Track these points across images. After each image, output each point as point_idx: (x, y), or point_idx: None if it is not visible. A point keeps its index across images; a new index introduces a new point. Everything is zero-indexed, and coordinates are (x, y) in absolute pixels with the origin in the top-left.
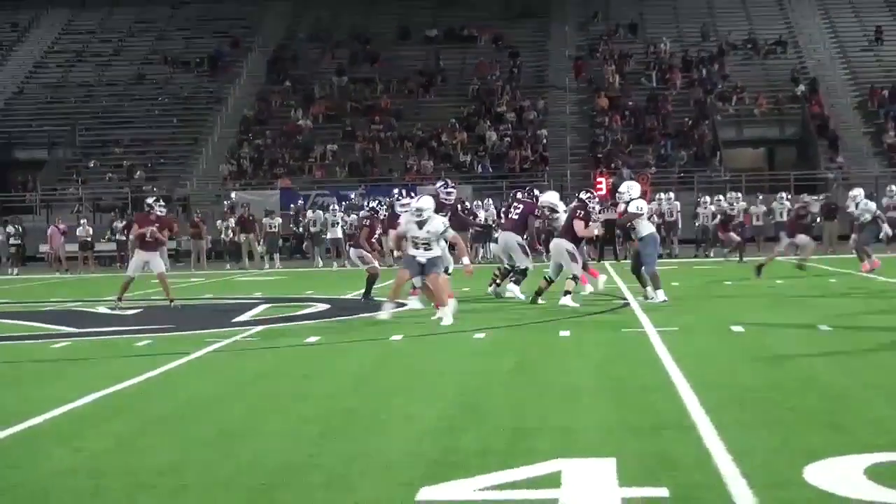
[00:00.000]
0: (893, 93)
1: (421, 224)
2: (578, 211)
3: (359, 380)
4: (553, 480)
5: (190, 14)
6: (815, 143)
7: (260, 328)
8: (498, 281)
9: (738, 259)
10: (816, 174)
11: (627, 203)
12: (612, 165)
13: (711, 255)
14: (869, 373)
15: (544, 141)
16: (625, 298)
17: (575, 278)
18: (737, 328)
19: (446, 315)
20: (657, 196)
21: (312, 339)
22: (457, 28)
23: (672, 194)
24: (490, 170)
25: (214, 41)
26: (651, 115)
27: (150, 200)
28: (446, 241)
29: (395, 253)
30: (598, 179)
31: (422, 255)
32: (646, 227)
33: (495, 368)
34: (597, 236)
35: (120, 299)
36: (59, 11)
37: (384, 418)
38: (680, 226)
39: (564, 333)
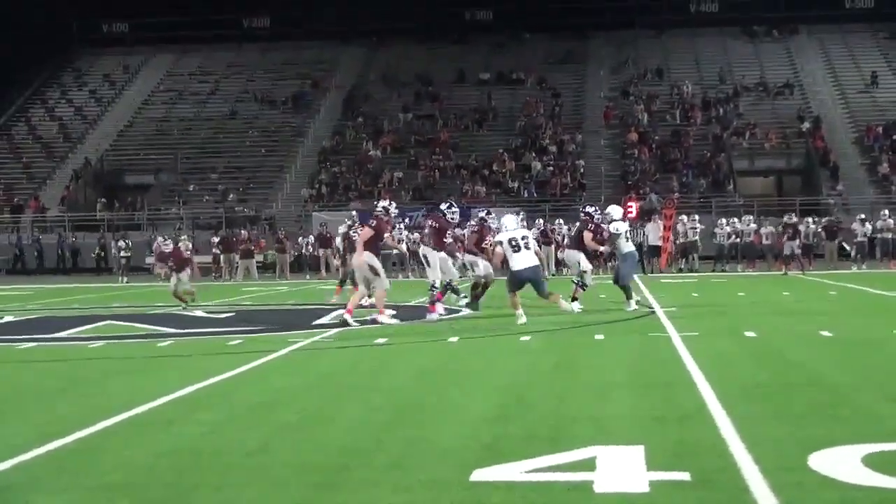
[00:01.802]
0: (887, 129)
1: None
2: (588, 224)
3: (420, 375)
4: (589, 464)
5: (276, 59)
6: (818, 172)
7: (336, 331)
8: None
9: (784, 273)
10: (819, 200)
11: (609, 224)
12: (641, 191)
13: (727, 269)
14: (865, 372)
15: (581, 170)
16: (651, 307)
17: (584, 286)
18: (749, 333)
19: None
20: (680, 218)
21: (381, 340)
22: (506, 72)
23: (697, 216)
24: (535, 194)
25: (297, 82)
26: (675, 148)
27: (160, 239)
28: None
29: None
30: (629, 203)
31: None
32: (625, 247)
33: (538, 366)
34: (601, 252)
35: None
36: (164, 56)
37: (442, 409)
38: (700, 244)
39: (599, 337)
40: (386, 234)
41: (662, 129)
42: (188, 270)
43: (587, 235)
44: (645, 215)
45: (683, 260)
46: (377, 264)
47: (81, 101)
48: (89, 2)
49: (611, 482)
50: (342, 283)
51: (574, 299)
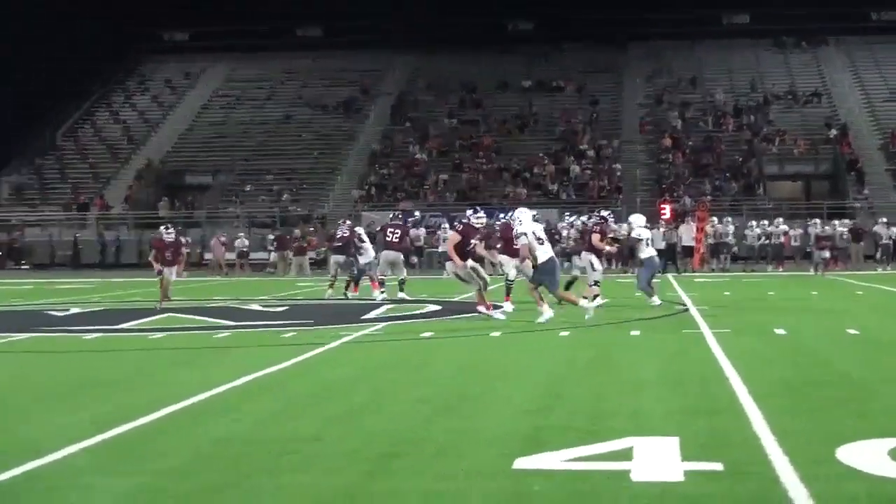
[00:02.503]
0: None
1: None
2: (596, 226)
3: (463, 368)
4: (626, 454)
5: (328, 66)
6: (845, 177)
7: (384, 324)
8: None
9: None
10: (846, 204)
11: (631, 231)
12: (675, 194)
13: (757, 269)
14: (892, 369)
15: (618, 174)
16: (685, 305)
17: (596, 283)
18: (779, 330)
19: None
20: (712, 220)
21: (427, 334)
22: (547, 80)
23: (729, 218)
24: (573, 196)
25: (348, 88)
26: (707, 153)
27: (162, 228)
28: None
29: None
30: (663, 206)
31: None
32: (645, 252)
33: (576, 360)
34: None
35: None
36: (223, 64)
37: (484, 400)
38: (732, 245)
39: (635, 333)
40: (474, 241)
41: (696, 135)
42: (178, 266)
43: (595, 237)
44: (679, 217)
45: (715, 260)
46: (467, 269)
47: (144, 106)
48: (152, 12)
49: (647, 471)
50: (356, 280)
51: (595, 296)
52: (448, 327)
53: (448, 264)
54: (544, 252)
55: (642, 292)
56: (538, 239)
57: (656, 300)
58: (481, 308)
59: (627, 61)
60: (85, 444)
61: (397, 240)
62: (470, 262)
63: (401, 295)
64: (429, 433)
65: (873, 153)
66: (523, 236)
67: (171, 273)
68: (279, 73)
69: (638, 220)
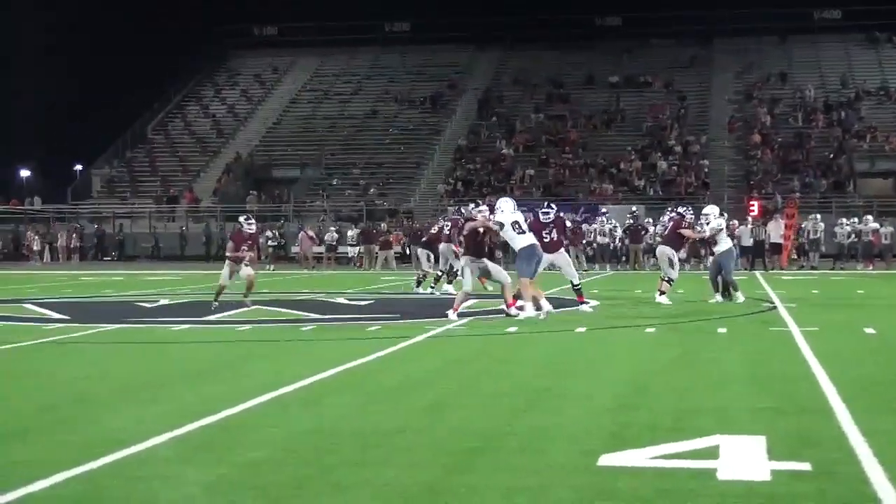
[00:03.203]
0: None
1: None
2: (683, 221)
3: (548, 363)
4: (712, 453)
5: (416, 61)
6: None
7: (469, 319)
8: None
9: None
10: None
11: (707, 224)
12: (763, 191)
13: (846, 267)
14: None
15: (706, 170)
16: (772, 302)
17: (670, 281)
18: (869, 329)
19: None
20: (810, 217)
21: (512, 329)
22: (634, 75)
23: (818, 216)
24: (660, 193)
25: (435, 84)
26: (797, 150)
27: (241, 219)
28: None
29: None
30: (751, 202)
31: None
32: (725, 243)
33: (662, 357)
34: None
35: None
36: (310, 58)
37: (568, 396)
38: (821, 243)
39: (721, 330)
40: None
41: (785, 132)
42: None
43: (686, 231)
44: (767, 214)
45: (804, 257)
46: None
47: (234, 100)
48: (241, 7)
49: (733, 470)
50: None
51: (661, 293)
52: (532, 322)
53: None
54: (524, 240)
55: (729, 283)
56: (519, 229)
57: (718, 298)
58: (510, 308)
59: (715, 57)
60: (170, 434)
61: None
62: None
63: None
64: (512, 428)
65: None
66: (500, 225)
67: (248, 268)
68: (366, 68)
69: (714, 210)
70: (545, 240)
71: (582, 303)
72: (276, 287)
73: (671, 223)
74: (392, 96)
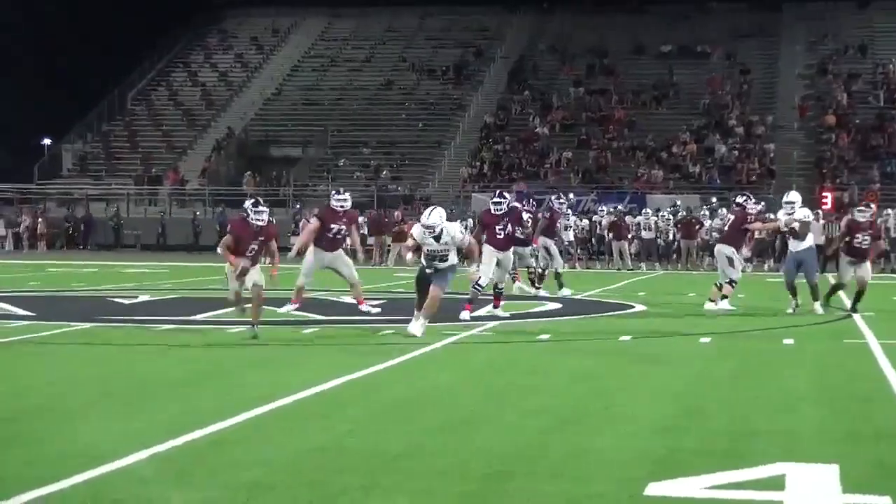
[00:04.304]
0: None
1: (437, 237)
2: (749, 217)
3: (586, 376)
4: (777, 483)
5: (436, 24)
6: None
7: (495, 324)
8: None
9: None
10: None
11: (794, 212)
12: (838, 180)
13: None
14: None
15: (771, 155)
16: (847, 310)
17: (732, 283)
18: None
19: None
20: (885, 212)
21: (544, 336)
22: (690, 45)
23: None
24: (718, 181)
25: (459, 51)
26: (878, 133)
27: (247, 204)
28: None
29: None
30: (824, 194)
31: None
32: (809, 238)
33: (717, 372)
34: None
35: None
36: (317, 19)
37: (608, 415)
38: None
39: (788, 341)
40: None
41: (864, 112)
42: (273, 268)
43: (756, 224)
44: (842, 207)
45: (884, 259)
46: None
47: (226, 66)
48: None
49: (802, 503)
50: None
51: (724, 297)
52: (568, 329)
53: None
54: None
55: (811, 287)
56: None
57: (795, 304)
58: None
59: (784, 24)
60: (151, 451)
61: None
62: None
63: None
64: (543, 451)
65: None
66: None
67: (256, 273)
68: (381, 32)
69: (798, 197)
70: (498, 235)
71: (496, 307)
72: (272, 283)
73: (732, 217)
74: (409, 64)
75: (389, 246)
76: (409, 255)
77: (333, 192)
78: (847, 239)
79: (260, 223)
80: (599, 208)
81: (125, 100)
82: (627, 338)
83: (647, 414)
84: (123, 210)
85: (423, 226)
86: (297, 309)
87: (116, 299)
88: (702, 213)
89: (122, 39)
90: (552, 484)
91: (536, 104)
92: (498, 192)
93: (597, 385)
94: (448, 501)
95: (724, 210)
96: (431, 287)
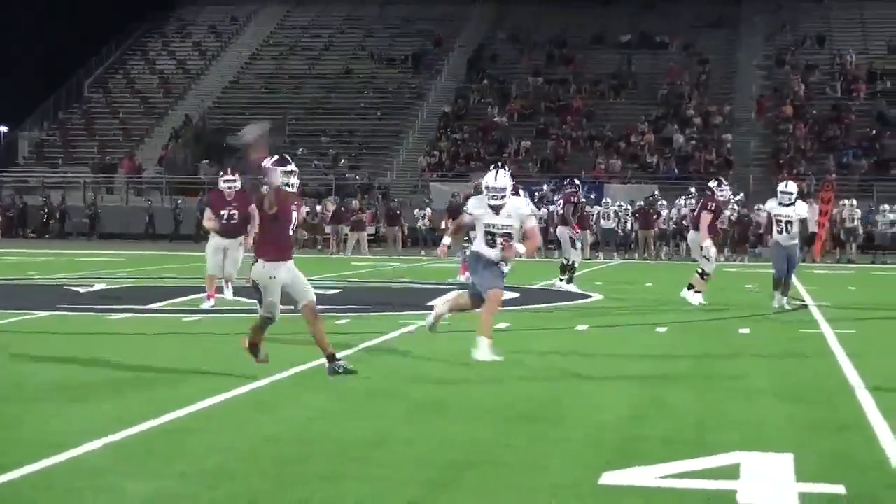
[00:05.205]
0: None
1: (499, 209)
2: (708, 203)
3: (543, 367)
4: (732, 472)
5: (397, 13)
6: None
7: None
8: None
9: None
10: None
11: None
12: (795, 171)
13: (888, 261)
14: None
15: (728, 145)
16: (803, 300)
17: (704, 275)
18: None
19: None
20: (841, 202)
21: (502, 325)
22: (650, 35)
23: (855, 201)
24: (675, 171)
25: (419, 40)
26: (834, 125)
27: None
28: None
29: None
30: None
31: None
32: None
33: (675, 362)
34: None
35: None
36: (276, 7)
37: (567, 405)
38: (859, 232)
39: (743, 331)
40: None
41: (821, 104)
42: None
43: (706, 217)
44: (799, 198)
45: (839, 249)
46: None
47: (184, 54)
48: None
49: (755, 492)
50: None
51: (696, 291)
52: (525, 319)
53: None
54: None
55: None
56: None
57: (781, 299)
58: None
59: (743, 16)
60: (108, 440)
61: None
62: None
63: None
64: (504, 441)
65: None
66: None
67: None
68: (340, 21)
69: (795, 188)
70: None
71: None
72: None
73: (699, 203)
74: (368, 53)
75: (346, 235)
76: (447, 242)
77: (221, 172)
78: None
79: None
80: (556, 198)
81: (82, 87)
82: (585, 327)
83: (605, 404)
84: (78, 198)
85: (489, 188)
86: (213, 306)
87: (73, 287)
88: (659, 202)
89: (79, 26)
90: (511, 474)
91: (495, 93)
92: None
93: (554, 375)
94: (409, 490)
95: (683, 200)
96: (486, 290)
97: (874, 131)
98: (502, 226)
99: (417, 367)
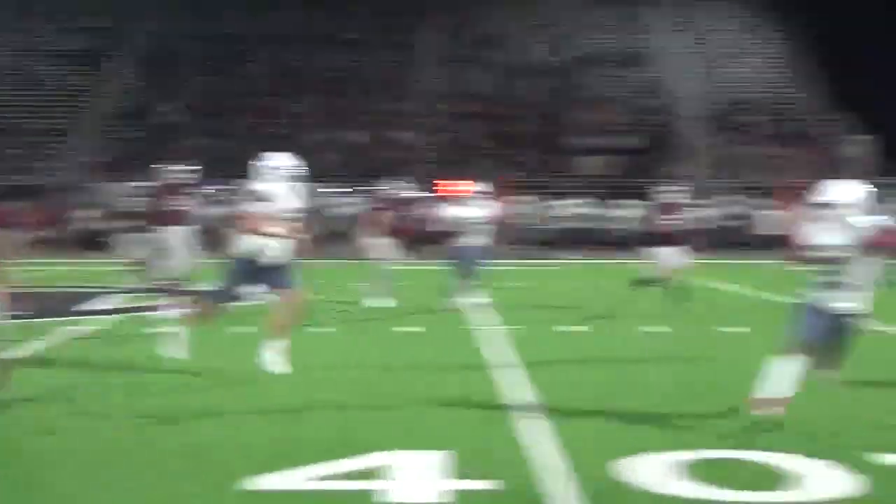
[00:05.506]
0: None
1: None
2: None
3: (182, 370)
4: (382, 472)
5: (67, 7)
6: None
7: (109, 318)
8: None
9: None
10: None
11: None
12: (473, 170)
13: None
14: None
15: (407, 143)
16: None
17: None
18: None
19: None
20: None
21: (155, 330)
22: (333, 31)
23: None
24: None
25: (90, 35)
26: (510, 122)
27: None
28: None
29: None
30: (454, 182)
31: None
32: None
33: (329, 359)
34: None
35: None
36: None
37: (217, 409)
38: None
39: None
40: None
41: (497, 101)
42: None
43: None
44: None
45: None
46: None
47: None
48: None
49: (403, 491)
50: None
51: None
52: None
53: None
54: None
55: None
56: None
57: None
58: None
59: (424, 13)
60: None
61: None
62: None
63: None
64: (149, 447)
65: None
66: None
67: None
68: (10, 17)
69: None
70: None
71: None
72: None
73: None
74: (37, 49)
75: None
76: None
77: None
78: None
79: None
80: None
81: None
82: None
83: (255, 406)
84: None
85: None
86: None
87: None
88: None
89: None
90: (151, 478)
91: (169, 91)
92: None
93: (197, 380)
94: None
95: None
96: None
97: (547, 129)
98: None
99: (58, 381)
